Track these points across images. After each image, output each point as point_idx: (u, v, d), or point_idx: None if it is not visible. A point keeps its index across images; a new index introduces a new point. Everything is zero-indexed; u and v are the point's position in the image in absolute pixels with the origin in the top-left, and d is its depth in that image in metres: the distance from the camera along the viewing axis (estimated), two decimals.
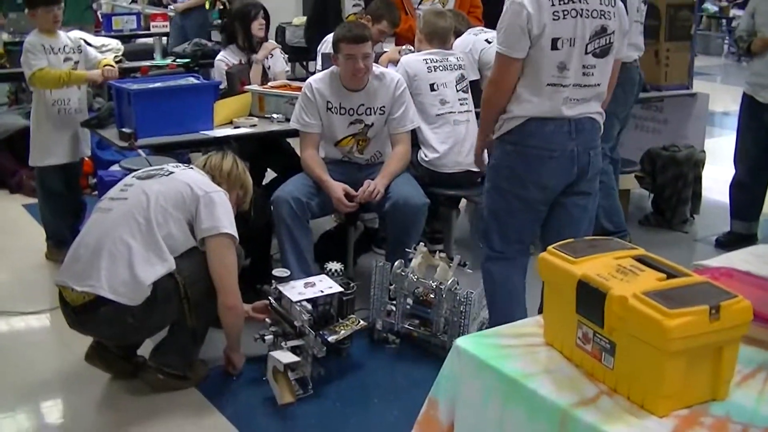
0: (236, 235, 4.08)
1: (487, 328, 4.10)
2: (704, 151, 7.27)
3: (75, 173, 6.17)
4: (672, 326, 2.01)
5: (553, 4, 3.89)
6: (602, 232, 5.70)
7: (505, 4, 4.02)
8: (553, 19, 3.89)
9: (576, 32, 3.93)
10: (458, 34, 6.14)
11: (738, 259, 2.99)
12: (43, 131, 5.81)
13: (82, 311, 3.95)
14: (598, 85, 4.08)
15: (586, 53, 3.98)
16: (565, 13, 3.91)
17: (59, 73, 5.62)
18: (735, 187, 6.65)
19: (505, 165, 4.16)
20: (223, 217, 4.04)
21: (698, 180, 7.12)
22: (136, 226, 3.94)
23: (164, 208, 3.98)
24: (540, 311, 2.52)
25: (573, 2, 3.92)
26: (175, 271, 3.95)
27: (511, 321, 3.06)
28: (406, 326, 4.72)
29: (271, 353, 4.10)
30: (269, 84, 6.11)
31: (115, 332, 4.06)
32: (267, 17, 6.56)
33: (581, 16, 3.93)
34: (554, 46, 3.92)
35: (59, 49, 5.76)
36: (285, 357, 4.04)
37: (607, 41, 4.02)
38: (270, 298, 4.38)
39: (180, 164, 4.44)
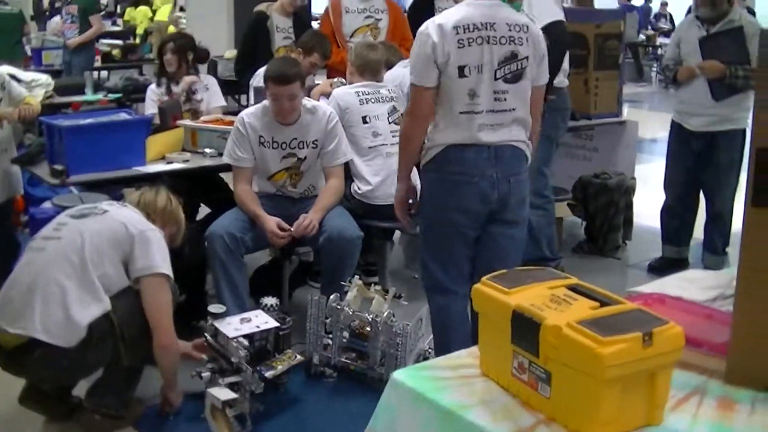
0: (171, 273, 4.04)
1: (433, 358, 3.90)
2: (635, 178, 7.37)
3: (7, 212, 6.05)
4: (606, 354, 2.03)
5: (457, 33, 4.00)
6: (540, 259, 5.78)
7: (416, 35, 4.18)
8: (458, 47, 4.00)
9: (483, 59, 4.03)
10: (390, 66, 6.17)
11: (670, 284, 3.03)
12: None
13: (16, 354, 3.86)
14: (513, 110, 4.13)
15: (496, 79, 4.06)
16: (470, 40, 4.02)
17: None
18: (665, 212, 6.73)
19: (430, 194, 4.28)
20: (157, 256, 3.99)
21: (629, 207, 7.21)
22: (70, 266, 3.87)
23: (99, 248, 3.92)
24: (475, 342, 2.53)
25: (479, 29, 4.02)
26: (111, 311, 3.89)
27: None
28: (343, 360, 4.71)
29: (209, 390, 4.07)
30: (201, 118, 6.09)
31: (51, 374, 3.99)
32: (182, 51, 6.53)
33: (488, 42, 4.03)
34: (461, 73, 4.03)
35: None
36: (223, 394, 4.01)
37: (519, 66, 4.11)
38: (206, 334, 4.34)
39: (114, 201, 4.40)
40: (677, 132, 6.54)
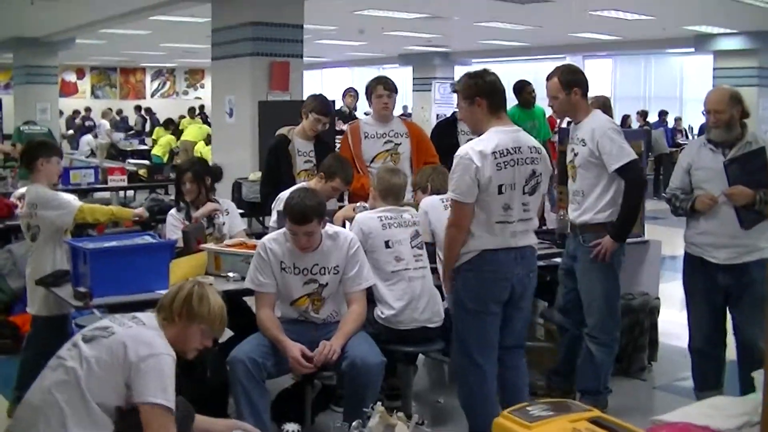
0: (168, 403, 3.87)
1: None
2: (659, 298, 7.33)
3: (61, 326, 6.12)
4: None
5: (495, 158, 4.86)
6: (596, 391, 5.88)
7: (455, 159, 4.97)
8: (497, 170, 4.85)
9: (515, 178, 4.92)
10: (436, 191, 6.22)
11: (695, 413, 3.01)
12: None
13: None
14: (532, 219, 5.11)
15: (524, 193, 4.98)
16: (506, 163, 4.89)
17: (109, 207, 5.76)
18: (696, 355, 6.06)
19: (468, 288, 5.08)
20: (151, 385, 3.86)
21: (654, 327, 7.15)
22: (73, 391, 3.84)
23: (98, 376, 3.85)
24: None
25: (511, 154, 4.91)
26: (115, 429, 3.85)
27: (488, 421, 3.92)
28: None
29: None
30: (225, 242, 6.14)
31: None
32: (199, 177, 6.63)
33: (518, 164, 4.93)
34: (500, 191, 4.89)
35: None
36: None
37: (537, 182, 5.05)
38: None
39: (135, 316, 4.29)
40: (698, 267, 5.88)
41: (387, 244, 5.64)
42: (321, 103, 7.32)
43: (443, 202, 5.96)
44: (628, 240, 6.74)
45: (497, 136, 4.95)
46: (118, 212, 6.15)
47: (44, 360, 4.13)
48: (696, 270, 5.92)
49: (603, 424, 2.34)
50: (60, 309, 5.87)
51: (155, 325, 4.13)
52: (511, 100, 9.81)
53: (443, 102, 18.89)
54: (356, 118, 11.40)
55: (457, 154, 4.99)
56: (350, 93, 14.84)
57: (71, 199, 6.02)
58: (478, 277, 5.03)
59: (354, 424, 4.62)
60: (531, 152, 5.00)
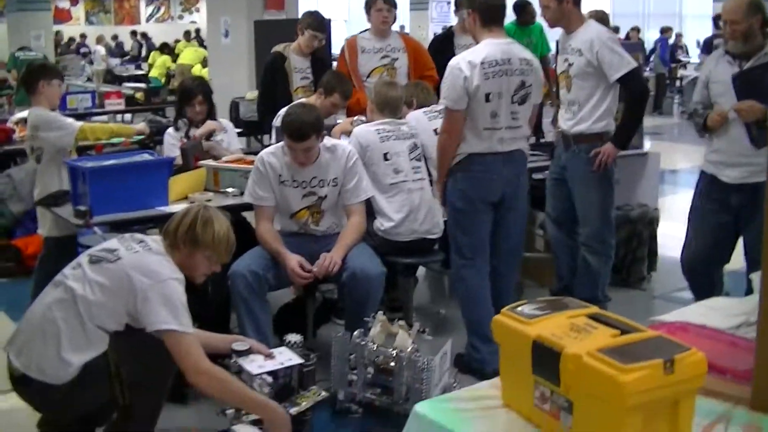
0: (182, 328, 3.86)
1: (467, 327, 5.47)
2: (658, 209, 7.35)
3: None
4: (627, 381, 2.03)
5: (484, 68, 5.11)
6: (595, 299, 5.62)
7: (447, 68, 5.27)
8: (485, 79, 5.12)
9: (503, 87, 5.17)
10: (421, 105, 6.19)
11: (693, 312, 3.02)
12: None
13: (17, 382, 3.94)
14: (521, 126, 5.35)
15: (512, 102, 5.22)
16: (494, 73, 5.15)
17: (109, 125, 5.78)
18: (690, 274, 5.89)
19: (458, 189, 5.34)
20: (162, 312, 3.85)
21: (653, 238, 7.18)
22: (70, 310, 3.86)
23: (99, 301, 3.87)
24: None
25: (500, 65, 5.16)
26: (108, 350, 3.86)
27: (480, 319, 5.23)
28: (368, 395, 4.68)
29: (233, 428, 4.06)
30: (223, 158, 6.12)
31: (45, 407, 4.03)
32: (207, 98, 6.56)
33: (506, 74, 5.18)
34: (487, 99, 5.15)
35: None
36: (247, 431, 4.00)
37: (526, 92, 5.29)
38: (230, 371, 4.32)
39: (142, 239, 4.29)
40: (709, 184, 5.63)
41: (385, 157, 5.63)
42: (316, 20, 7.27)
43: (426, 114, 6.04)
44: (628, 152, 6.73)
45: (487, 48, 5.21)
46: (119, 129, 6.18)
47: None
48: (708, 188, 5.64)
49: (601, 319, 2.35)
50: (70, 229, 5.88)
51: (162, 250, 4.09)
52: (511, 17, 9.78)
53: (440, 21, 18.79)
54: None
55: (449, 64, 5.28)
56: None
57: (72, 120, 6.02)
58: (466, 177, 5.29)
59: (356, 333, 4.68)
60: (521, 64, 5.24)
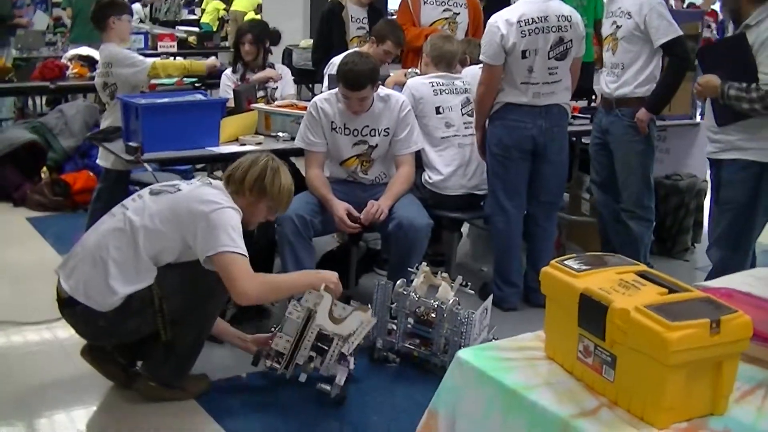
0: (240, 250, 3.95)
1: (493, 270, 5.78)
2: (706, 181, 7.27)
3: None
4: (673, 339, 2.04)
5: (520, 25, 5.30)
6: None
7: (486, 26, 5.55)
8: (521, 36, 5.31)
9: (539, 44, 5.35)
10: (474, 62, 6.15)
11: (739, 281, 3.01)
12: None
13: (64, 304, 4.05)
14: (561, 80, 5.50)
15: (549, 58, 5.39)
16: (530, 31, 5.33)
17: (181, 61, 6.13)
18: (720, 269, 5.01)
19: (495, 135, 5.55)
20: (222, 236, 3.93)
21: (700, 209, 7.13)
22: (125, 238, 3.96)
23: (156, 227, 3.96)
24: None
25: (536, 22, 5.34)
26: (154, 285, 3.95)
27: (510, 264, 5.69)
28: (407, 345, 4.72)
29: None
30: (276, 103, 6.15)
31: (88, 331, 4.13)
32: (259, 40, 6.63)
33: (543, 32, 5.35)
34: (523, 55, 5.36)
35: None
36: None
37: (565, 48, 5.45)
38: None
39: (200, 178, 4.37)
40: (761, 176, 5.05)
41: (437, 110, 5.65)
42: None
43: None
44: (679, 122, 6.71)
45: (525, 6, 5.40)
46: (190, 66, 6.18)
47: None
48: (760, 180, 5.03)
49: (649, 277, 2.36)
50: (132, 165, 5.93)
51: (221, 186, 4.20)
52: None
53: None
54: None
55: (488, 22, 5.55)
56: None
57: (143, 57, 6.07)
58: (502, 125, 5.51)
59: (398, 282, 4.70)
60: (558, 20, 5.40)
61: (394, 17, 7.49)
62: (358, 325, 4.19)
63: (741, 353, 2.23)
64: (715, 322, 2.09)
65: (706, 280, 3.84)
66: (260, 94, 6.43)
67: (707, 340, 2.08)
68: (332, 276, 4.28)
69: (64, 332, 4.34)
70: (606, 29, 5.82)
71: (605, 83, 5.79)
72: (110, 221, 4.10)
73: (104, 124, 6.19)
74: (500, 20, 5.37)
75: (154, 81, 7.09)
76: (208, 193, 4.10)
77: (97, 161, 6.31)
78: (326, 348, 4.23)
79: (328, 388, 4.21)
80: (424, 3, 7.15)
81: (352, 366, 4.30)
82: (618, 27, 5.63)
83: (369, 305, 4.34)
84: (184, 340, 4.14)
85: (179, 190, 4.15)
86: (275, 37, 7.00)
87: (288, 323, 4.21)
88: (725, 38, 5.26)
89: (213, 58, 6.60)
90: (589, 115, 6.70)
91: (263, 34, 6.69)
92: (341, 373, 4.22)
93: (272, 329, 4.38)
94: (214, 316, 4.27)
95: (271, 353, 4.27)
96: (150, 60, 6.04)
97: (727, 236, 5.09)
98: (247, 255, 3.98)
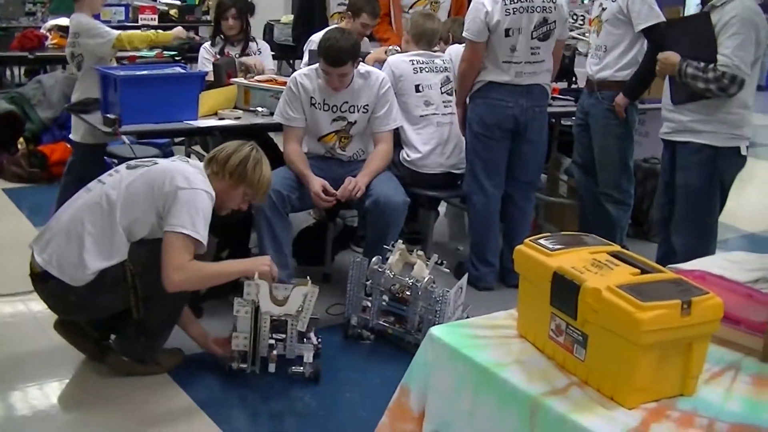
0: (199, 237, 3.93)
1: (470, 249, 5.82)
2: None
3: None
4: (644, 319, 2.04)
5: (505, 4, 5.32)
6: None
7: (471, 3, 5.52)
8: (505, 15, 5.33)
9: (522, 23, 5.36)
10: (457, 41, 6.14)
11: (712, 263, 3.02)
12: None
13: (37, 279, 4.04)
14: (543, 61, 5.52)
15: (532, 38, 5.40)
16: (515, 10, 5.34)
17: (146, 32, 6.04)
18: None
19: (476, 114, 5.58)
20: (184, 216, 3.91)
21: None
22: (99, 212, 3.96)
23: (132, 199, 3.96)
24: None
25: (521, 2, 5.35)
26: (127, 261, 3.94)
27: (486, 243, 5.69)
28: (381, 323, 4.73)
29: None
30: (255, 78, 6.12)
31: (60, 306, 4.13)
32: (242, 14, 6.62)
33: (527, 11, 5.36)
34: (507, 34, 5.37)
35: None
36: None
37: (548, 29, 5.46)
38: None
39: (179, 156, 4.37)
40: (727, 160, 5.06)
41: (417, 88, 5.63)
42: None
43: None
44: (657, 105, 6.66)
45: None
46: (156, 37, 6.12)
47: (83, 186, 4.22)
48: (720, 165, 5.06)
49: (622, 257, 2.36)
50: (102, 138, 5.89)
51: (200, 166, 4.21)
52: None
53: None
54: None
55: None
56: None
57: (110, 29, 6.02)
58: (484, 103, 5.54)
59: (374, 259, 4.71)
60: (543, 1, 5.41)
61: None
62: (303, 298, 4.19)
63: (711, 335, 2.24)
64: (686, 303, 2.10)
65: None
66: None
67: (678, 320, 2.09)
68: (264, 260, 4.30)
69: (38, 305, 4.32)
70: (594, 11, 5.84)
71: (588, 65, 5.82)
72: (86, 196, 4.09)
73: (74, 96, 6.13)
74: None
75: (133, 53, 7.09)
76: (185, 169, 4.09)
77: (70, 135, 6.28)
78: (283, 332, 4.26)
79: (300, 369, 4.23)
80: None
81: (316, 341, 4.29)
82: (603, 9, 5.64)
83: (307, 277, 4.31)
84: (157, 317, 4.14)
85: (156, 164, 4.15)
86: (251, 8, 6.97)
87: (239, 321, 4.19)
88: (690, 16, 5.38)
89: (179, 28, 6.52)
90: (568, 97, 6.70)
91: (245, 9, 6.67)
92: (307, 351, 4.24)
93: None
94: (188, 294, 4.25)
95: (235, 355, 4.27)
96: (115, 32, 5.97)
97: (687, 221, 5.16)
98: (202, 241, 3.95)
